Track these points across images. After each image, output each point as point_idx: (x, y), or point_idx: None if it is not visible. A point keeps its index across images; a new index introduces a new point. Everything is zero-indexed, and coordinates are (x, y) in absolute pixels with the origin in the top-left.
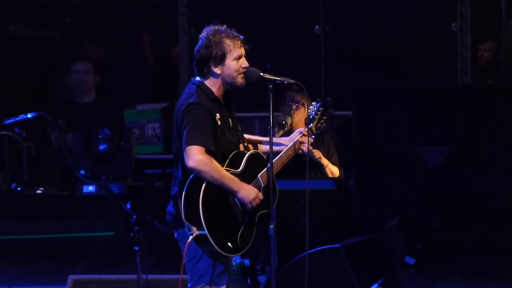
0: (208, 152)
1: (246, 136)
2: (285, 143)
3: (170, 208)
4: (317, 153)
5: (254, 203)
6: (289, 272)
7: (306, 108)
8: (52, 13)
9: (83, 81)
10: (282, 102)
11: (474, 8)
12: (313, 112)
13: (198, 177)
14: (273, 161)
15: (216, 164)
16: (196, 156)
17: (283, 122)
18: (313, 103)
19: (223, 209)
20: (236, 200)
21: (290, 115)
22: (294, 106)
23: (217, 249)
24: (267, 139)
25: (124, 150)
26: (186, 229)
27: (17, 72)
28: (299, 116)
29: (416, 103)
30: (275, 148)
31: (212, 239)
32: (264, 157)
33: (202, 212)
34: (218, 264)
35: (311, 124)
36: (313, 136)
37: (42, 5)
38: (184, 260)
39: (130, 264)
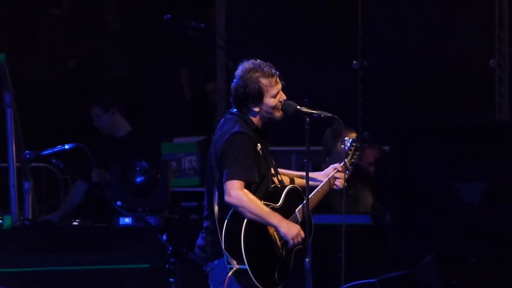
0: (249, 185)
1: (282, 170)
2: (319, 178)
3: (199, 241)
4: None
5: (296, 240)
6: None
7: None
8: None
9: (98, 126)
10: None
11: None
12: (347, 148)
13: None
14: (310, 196)
15: (254, 199)
16: (233, 191)
17: None
18: (345, 138)
19: (263, 243)
20: (276, 233)
21: None
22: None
23: (257, 284)
24: (302, 173)
25: (161, 183)
26: (225, 262)
27: (56, 104)
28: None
29: (454, 139)
30: (310, 183)
31: (252, 274)
32: (302, 192)
33: (244, 246)
34: None
35: (346, 160)
36: (347, 172)
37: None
38: None
39: None
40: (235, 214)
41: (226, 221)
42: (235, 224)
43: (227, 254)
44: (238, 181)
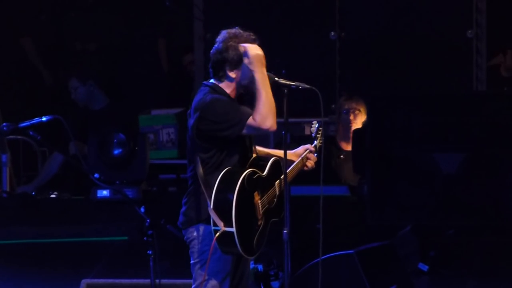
0: (228, 147)
1: (257, 147)
2: (290, 157)
3: (183, 208)
4: None
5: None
6: (302, 278)
7: (363, 112)
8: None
9: (76, 98)
10: (337, 111)
11: (489, 15)
12: (314, 132)
13: (231, 173)
14: (287, 170)
15: (257, 110)
16: (261, 128)
17: None
18: (313, 122)
19: (249, 210)
20: (259, 202)
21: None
22: (351, 116)
23: (239, 248)
24: (275, 151)
25: (138, 155)
26: (211, 225)
27: (33, 76)
28: (360, 120)
29: (431, 109)
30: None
31: (237, 238)
32: (281, 166)
33: (235, 210)
34: (223, 270)
35: (315, 142)
36: (316, 154)
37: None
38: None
39: (144, 268)
40: (227, 177)
41: (217, 183)
42: (226, 187)
43: (215, 214)
44: (248, 121)
